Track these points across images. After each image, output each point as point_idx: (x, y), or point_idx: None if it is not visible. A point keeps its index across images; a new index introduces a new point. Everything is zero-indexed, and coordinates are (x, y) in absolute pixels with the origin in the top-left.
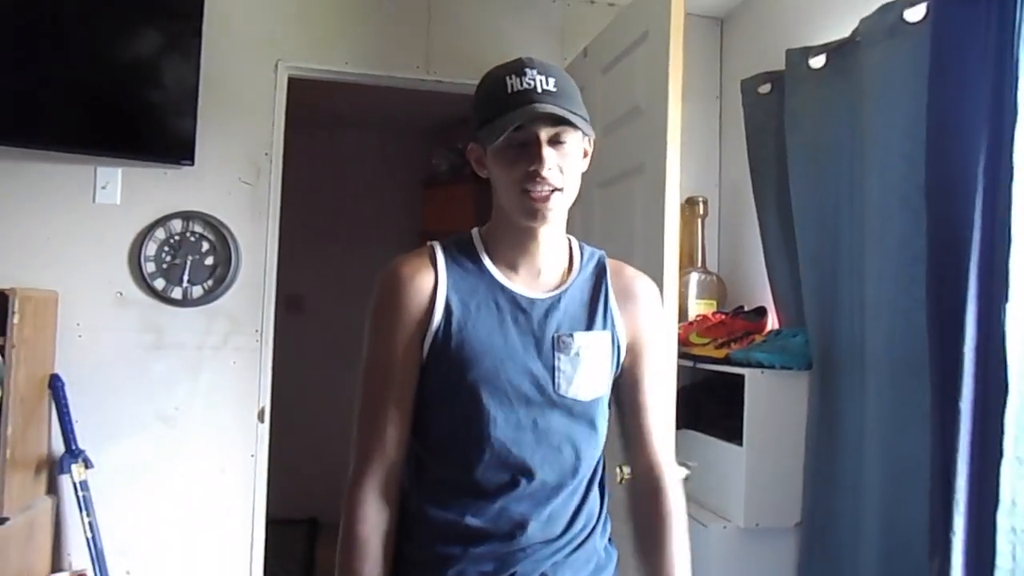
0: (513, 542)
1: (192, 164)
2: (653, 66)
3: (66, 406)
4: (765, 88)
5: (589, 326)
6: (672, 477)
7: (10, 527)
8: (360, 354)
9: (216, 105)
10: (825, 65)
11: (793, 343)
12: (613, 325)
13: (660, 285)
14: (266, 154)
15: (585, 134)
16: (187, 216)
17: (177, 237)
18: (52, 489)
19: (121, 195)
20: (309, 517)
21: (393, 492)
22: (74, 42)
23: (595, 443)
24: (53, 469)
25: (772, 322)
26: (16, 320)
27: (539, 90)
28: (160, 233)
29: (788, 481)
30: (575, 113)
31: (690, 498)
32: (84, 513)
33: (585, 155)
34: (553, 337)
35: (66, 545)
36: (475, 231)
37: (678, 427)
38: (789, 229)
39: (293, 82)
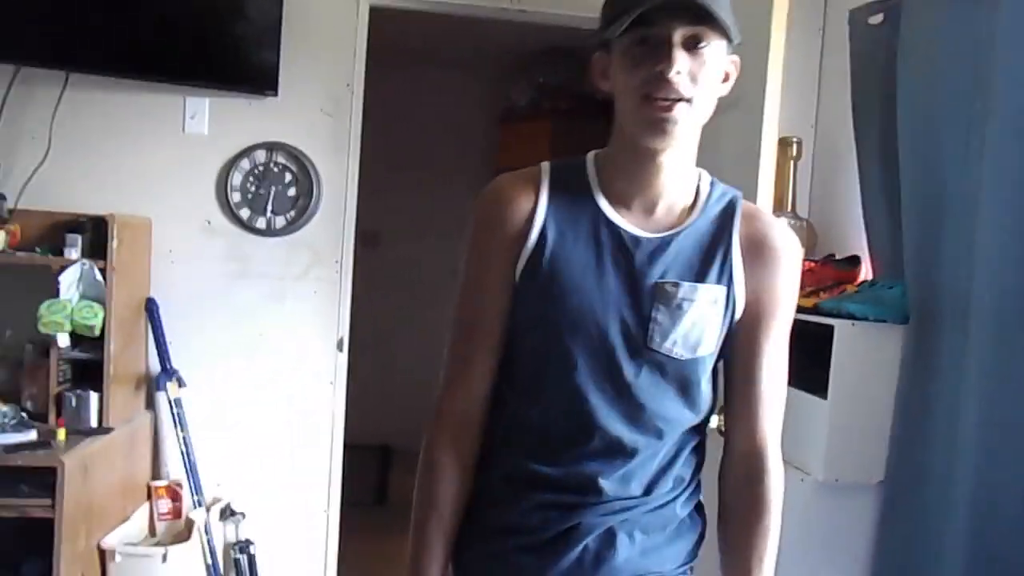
0: (584, 496)
1: (276, 95)
2: None
3: (161, 328)
4: (877, 18)
5: (701, 277)
6: (777, 464)
7: (114, 437)
8: (456, 279)
9: (299, 36)
10: None
11: (889, 295)
12: (731, 280)
13: None
14: (348, 86)
15: (731, 44)
16: (271, 147)
17: (261, 167)
18: (150, 405)
19: (209, 125)
20: (382, 444)
21: (477, 421)
22: None
23: (690, 407)
24: (151, 386)
25: (866, 272)
26: (115, 244)
27: None
28: (245, 163)
29: (873, 437)
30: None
31: None
32: (179, 428)
33: (727, 78)
34: (655, 284)
35: (163, 457)
36: (591, 155)
37: None
38: (892, 173)
39: (376, 16)
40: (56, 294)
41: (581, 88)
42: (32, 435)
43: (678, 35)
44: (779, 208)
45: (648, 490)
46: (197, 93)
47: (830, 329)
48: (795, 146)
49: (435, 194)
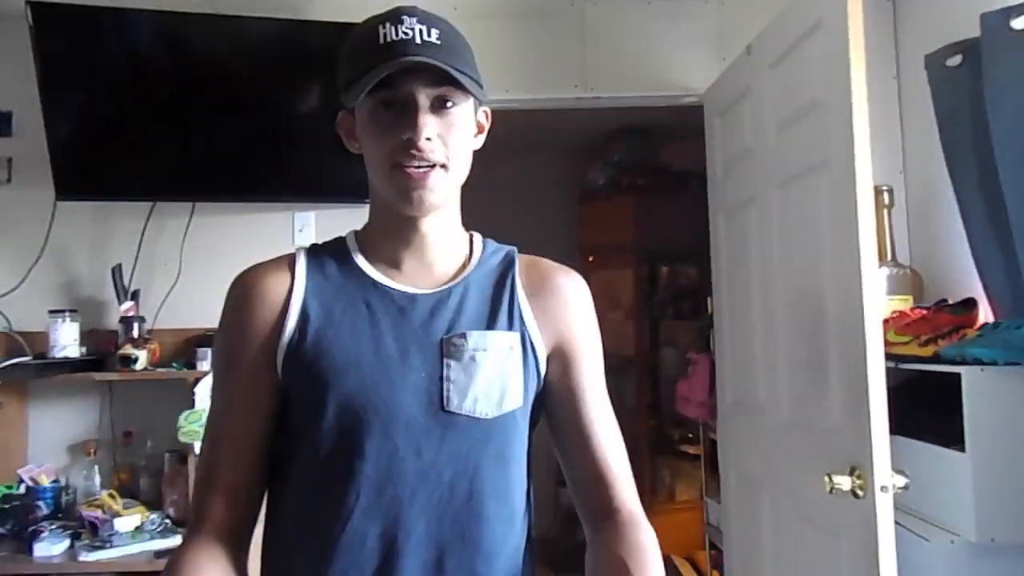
0: None
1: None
2: (830, 55)
3: None
4: (955, 60)
5: (490, 325)
6: (643, 519)
7: None
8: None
9: None
10: None
11: (1017, 335)
12: (523, 324)
13: (857, 284)
14: None
15: (479, 101)
16: None
17: None
18: None
19: (315, 235)
20: None
21: (228, 556)
22: (262, 106)
23: (509, 477)
24: None
25: (984, 315)
26: None
27: (418, 40)
28: None
29: None
30: (464, 73)
31: (908, 511)
32: None
33: (480, 130)
34: (441, 339)
35: None
36: (351, 231)
37: None
38: (999, 211)
39: None
40: (192, 405)
41: (657, 164)
42: (176, 540)
43: (423, 97)
44: (881, 259)
45: None
46: (305, 208)
47: (956, 377)
48: (886, 194)
49: None
